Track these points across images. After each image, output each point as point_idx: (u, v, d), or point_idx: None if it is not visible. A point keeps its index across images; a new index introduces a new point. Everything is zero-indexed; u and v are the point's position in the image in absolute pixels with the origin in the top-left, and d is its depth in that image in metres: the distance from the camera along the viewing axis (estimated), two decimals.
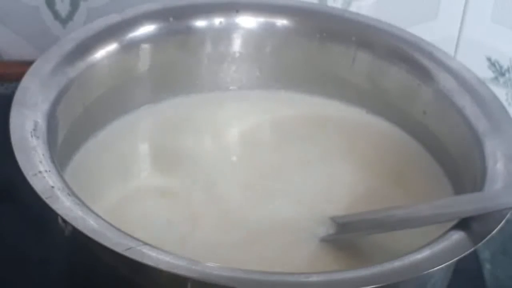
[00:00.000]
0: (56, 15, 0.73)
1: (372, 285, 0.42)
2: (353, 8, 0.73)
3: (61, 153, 0.51)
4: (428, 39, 0.60)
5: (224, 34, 0.61)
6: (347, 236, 0.51)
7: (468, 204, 0.47)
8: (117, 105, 0.58)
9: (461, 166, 0.54)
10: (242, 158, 0.59)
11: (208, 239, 0.51)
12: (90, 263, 0.48)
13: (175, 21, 0.60)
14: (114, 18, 0.58)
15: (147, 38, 0.58)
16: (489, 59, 0.75)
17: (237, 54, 0.62)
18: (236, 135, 0.61)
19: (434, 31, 0.73)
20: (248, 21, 0.62)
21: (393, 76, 0.60)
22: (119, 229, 0.43)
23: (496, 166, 0.50)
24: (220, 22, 0.61)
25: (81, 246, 0.47)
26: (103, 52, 0.56)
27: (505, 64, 0.74)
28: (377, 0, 0.73)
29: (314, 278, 0.42)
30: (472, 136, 0.53)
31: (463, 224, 0.46)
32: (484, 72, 0.75)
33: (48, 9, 0.72)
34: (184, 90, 0.61)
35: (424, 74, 0.58)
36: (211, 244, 0.50)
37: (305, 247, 0.51)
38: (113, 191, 0.54)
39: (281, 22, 0.62)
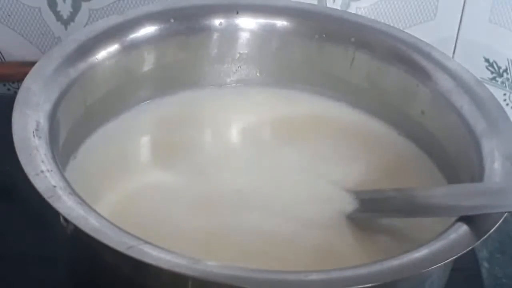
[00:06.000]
0: (58, 16, 0.73)
1: (371, 283, 0.42)
2: (352, 9, 0.73)
3: (63, 152, 0.52)
4: (427, 40, 0.60)
5: (224, 35, 0.61)
6: (369, 215, 0.53)
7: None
8: (118, 104, 0.59)
9: (459, 166, 0.55)
10: (242, 155, 0.59)
11: (208, 235, 0.51)
12: (91, 262, 0.48)
13: (175, 22, 0.60)
14: (115, 19, 0.58)
15: (148, 39, 0.59)
16: (487, 60, 0.74)
17: (237, 55, 0.62)
18: (236, 131, 0.61)
19: (432, 32, 0.74)
20: (248, 22, 0.62)
21: (392, 77, 0.60)
22: (120, 228, 0.43)
23: (494, 165, 0.50)
24: (221, 23, 0.61)
25: (83, 245, 0.47)
26: (105, 53, 0.56)
27: (503, 64, 0.74)
28: (376, 1, 0.73)
29: (313, 277, 0.42)
30: (470, 136, 0.54)
31: (461, 223, 0.46)
32: (482, 73, 0.75)
33: (50, 10, 0.72)
34: (185, 90, 0.62)
35: (422, 75, 0.58)
36: (211, 240, 0.51)
37: (303, 246, 0.51)
38: (114, 189, 0.54)
39: (281, 23, 0.62)
